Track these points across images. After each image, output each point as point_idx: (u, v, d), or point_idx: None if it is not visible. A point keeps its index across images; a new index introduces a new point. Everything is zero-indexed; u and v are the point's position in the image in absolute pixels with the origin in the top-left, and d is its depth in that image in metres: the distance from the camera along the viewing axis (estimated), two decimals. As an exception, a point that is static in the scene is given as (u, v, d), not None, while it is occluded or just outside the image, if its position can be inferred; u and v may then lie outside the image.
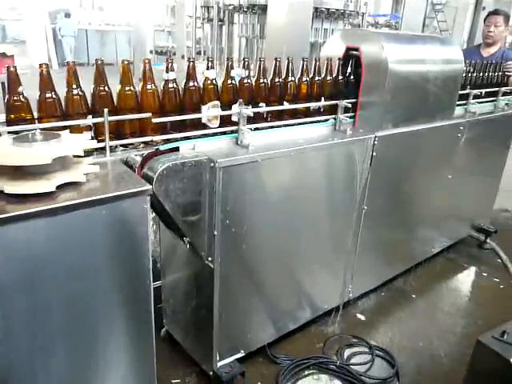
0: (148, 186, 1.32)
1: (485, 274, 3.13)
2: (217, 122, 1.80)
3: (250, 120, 1.83)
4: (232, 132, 1.84)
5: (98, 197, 1.23)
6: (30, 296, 1.21)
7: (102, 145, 1.50)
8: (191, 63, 1.74)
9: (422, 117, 2.39)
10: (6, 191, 1.19)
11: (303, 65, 2.04)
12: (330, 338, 2.40)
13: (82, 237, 1.25)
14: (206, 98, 1.77)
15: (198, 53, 6.05)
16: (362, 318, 2.59)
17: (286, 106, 2.00)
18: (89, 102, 1.54)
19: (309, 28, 4.30)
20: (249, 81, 1.89)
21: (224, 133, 1.83)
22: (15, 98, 1.40)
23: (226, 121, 1.83)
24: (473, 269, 3.22)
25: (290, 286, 2.17)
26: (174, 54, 6.17)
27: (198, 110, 1.75)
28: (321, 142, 1.99)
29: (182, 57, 5.01)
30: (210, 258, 1.77)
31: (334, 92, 2.15)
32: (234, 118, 1.82)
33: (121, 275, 1.37)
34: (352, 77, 2.21)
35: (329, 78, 2.13)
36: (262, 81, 1.92)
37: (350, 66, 2.22)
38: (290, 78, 2.00)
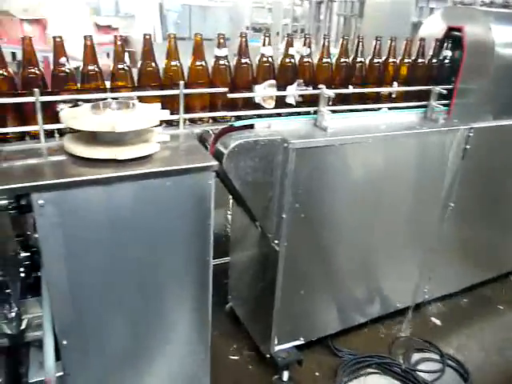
0: (214, 162, 1.30)
1: None
2: (272, 103, 1.72)
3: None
4: (311, 113, 1.77)
5: (164, 168, 1.24)
6: (103, 252, 1.27)
7: (175, 117, 1.50)
8: (289, 39, 1.70)
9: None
10: (84, 155, 1.24)
11: (390, 45, 1.88)
12: (398, 338, 2.27)
13: (149, 205, 1.27)
14: (299, 75, 1.72)
15: (295, 31, 5.94)
16: (437, 322, 2.41)
17: (371, 89, 1.87)
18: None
19: (412, 6, 4.00)
20: (328, 60, 1.79)
21: (299, 113, 1.77)
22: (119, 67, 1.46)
23: (307, 101, 1.76)
24: None
25: (360, 278, 2.07)
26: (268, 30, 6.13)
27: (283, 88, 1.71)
28: (407, 130, 1.84)
29: (277, 34, 4.94)
30: (276, 241, 1.73)
31: (426, 76, 1.98)
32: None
33: (183, 247, 1.38)
34: (448, 60, 2.01)
35: (421, 60, 1.95)
36: (343, 60, 1.82)
37: (448, 49, 2.01)
38: (375, 60, 1.87)
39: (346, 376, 2.04)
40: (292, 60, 1.72)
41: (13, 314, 1.32)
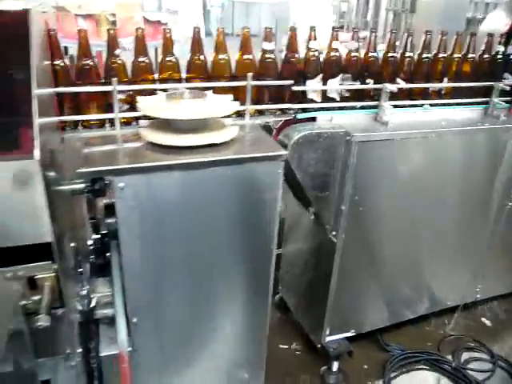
0: (284, 152, 1.33)
1: None
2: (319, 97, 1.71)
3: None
4: (369, 107, 1.78)
5: (237, 156, 1.29)
6: (174, 234, 1.33)
7: (242, 108, 1.54)
8: (334, 33, 1.70)
9: None
10: (159, 142, 1.30)
11: (440, 39, 1.86)
12: (447, 336, 2.26)
13: (221, 191, 1.32)
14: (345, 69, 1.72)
15: (341, 27, 5.90)
16: (488, 323, 2.38)
17: (431, 84, 1.86)
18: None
19: (467, 1, 3.90)
20: (375, 54, 1.76)
21: (353, 107, 1.78)
22: (167, 59, 1.51)
23: (365, 96, 1.77)
24: None
25: (412, 274, 2.07)
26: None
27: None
28: (468, 127, 1.82)
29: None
30: (334, 233, 1.76)
31: (488, 72, 1.95)
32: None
33: (249, 234, 1.42)
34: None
35: (486, 55, 1.93)
36: (390, 55, 1.79)
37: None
38: (436, 55, 1.85)
39: (395, 371, 2.05)
40: (337, 54, 1.70)
41: (84, 292, 1.40)
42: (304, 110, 1.70)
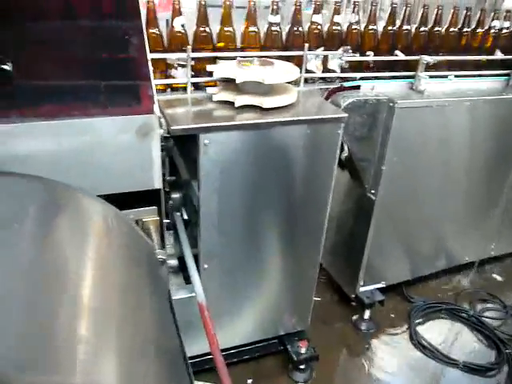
0: (345, 114, 1.50)
1: None
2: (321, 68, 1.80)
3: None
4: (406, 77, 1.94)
5: (307, 117, 1.45)
6: (248, 187, 1.50)
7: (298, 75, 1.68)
8: (336, 7, 1.78)
9: None
10: (237, 103, 1.45)
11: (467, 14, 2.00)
12: (463, 290, 2.48)
13: (291, 149, 1.48)
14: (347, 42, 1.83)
15: None
16: (499, 278, 2.60)
17: (461, 57, 2.02)
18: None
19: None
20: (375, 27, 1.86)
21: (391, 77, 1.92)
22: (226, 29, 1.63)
23: (404, 67, 1.93)
24: None
25: (435, 232, 2.27)
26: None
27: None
28: (497, 96, 2.00)
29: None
30: (373, 191, 1.93)
31: (510, 46, 2.11)
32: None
33: (311, 187, 1.59)
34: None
35: (506, 30, 2.09)
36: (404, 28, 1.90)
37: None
38: (454, 29, 2.00)
39: (419, 318, 2.26)
40: (338, 27, 1.81)
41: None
42: (343, 79, 1.86)
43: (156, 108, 1.10)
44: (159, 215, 1.21)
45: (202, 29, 1.61)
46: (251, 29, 1.66)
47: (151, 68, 1.13)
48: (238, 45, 1.67)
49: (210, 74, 1.51)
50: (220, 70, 1.48)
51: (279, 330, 1.90)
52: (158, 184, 1.18)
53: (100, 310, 0.63)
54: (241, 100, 1.46)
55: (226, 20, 1.63)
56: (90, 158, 1.05)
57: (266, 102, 1.45)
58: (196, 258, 1.57)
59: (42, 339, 0.53)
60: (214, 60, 1.61)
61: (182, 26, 1.59)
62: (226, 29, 1.64)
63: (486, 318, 2.29)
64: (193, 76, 1.57)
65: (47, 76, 1.04)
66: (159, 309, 0.78)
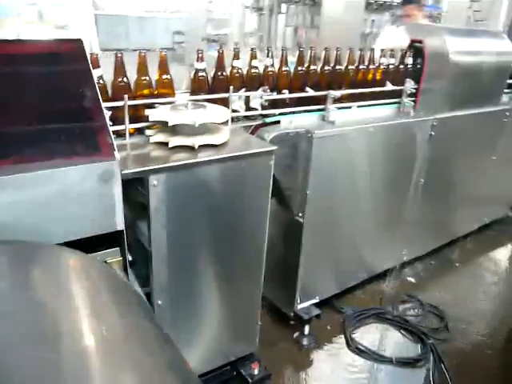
0: (275, 147, 1.67)
1: (521, 249, 3.46)
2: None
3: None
4: (317, 110, 2.19)
5: (242, 152, 1.60)
6: (197, 221, 1.60)
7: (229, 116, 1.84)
8: (253, 53, 1.96)
9: (474, 102, 2.71)
10: (175, 144, 1.56)
11: (357, 54, 2.32)
12: (385, 294, 2.75)
13: (228, 182, 1.62)
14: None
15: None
16: (413, 280, 2.93)
17: (363, 89, 2.33)
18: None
19: (360, 19, 4.58)
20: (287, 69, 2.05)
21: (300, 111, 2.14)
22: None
23: (314, 101, 2.17)
24: (511, 244, 3.54)
25: (356, 246, 2.52)
26: (217, 42, 6.52)
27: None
28: (392, 121, 2.32)
29: (235, 45, 5.35)
30: (300, 214, 2.12)
31: (396, 79, 2.47)
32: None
33: (250, 215, 1.73)
34: (411, 66, 2.51)
35: (392, 66, 2.45)
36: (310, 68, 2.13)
37: (411, 57, 2.53)
38: (352, 67, 2.33)
39: (352, 327, 2.47)
40: (257, 70, 2.00)
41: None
42: (264, 116, 2.06)
43: (116, 154, 1.17)
44: (122, 255, 1.27)
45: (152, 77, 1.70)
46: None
47: (107, 116, 1.21)
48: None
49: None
50: (154, 114, 1.59)
51: (230, 356, 1.98)
52: (120, 226, 1.24)
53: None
54: (174, 141, 1.57)
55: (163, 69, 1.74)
56: (56, 207, 1.10)
57: (198, 141, 1.58)
58: (148, 296, 1.61)
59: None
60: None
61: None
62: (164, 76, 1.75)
63: (408, 316, 2.57)
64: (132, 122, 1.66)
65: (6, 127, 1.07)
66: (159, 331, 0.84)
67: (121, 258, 1.28)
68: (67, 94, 1.18)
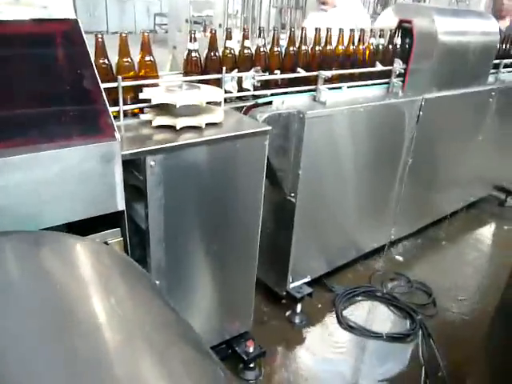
0: (269, 127, 1.68)
1: (505, 227, 3.54)
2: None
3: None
4: (308, 91, 2.19)
5: (237, 133, 1.60)
6: (193, 201, 1.60)
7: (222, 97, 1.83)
8: (245, 34, 1.98)
9: (461, 82, 2.74)
10: (167, 124, 1.55)
11: (350, 34, 2.33)
12: (374, 273, 2.80)
13: (224, 162, 1.62)
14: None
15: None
16: (401, 259, 2.99)
17: (353, 70, 2.34)
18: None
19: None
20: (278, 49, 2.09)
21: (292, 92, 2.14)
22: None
23: (305, 81, 2.18)
24: (494, 222, 3.65)
25: (345, 225, 2.56)
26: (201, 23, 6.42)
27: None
28: (382, 101, 2.34)
29: (220, 26, 5.27)
30: (292, 194, 2.14)
31: (385, 59, 2.49)
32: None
33: (244, 195, 1.74)
34: (399, 46, 2.52)
35: (381, 46, 2.46)
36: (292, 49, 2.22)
37: (399, 37, 2.54)
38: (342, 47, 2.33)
39: (342, 305, 2.52)
40: (249, 51, 2.00)
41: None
42: (256, 97, 2.05)
43: (117, 134, 1.17)
44: (123, 236, 1.27)
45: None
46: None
47: (105, 98, 1.20)
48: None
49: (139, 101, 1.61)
50: (158, 96, 1.57)
51: (225, 335, 2.01)
52: (121, 206, 1.24)
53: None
54: (181, 122, 1.56)
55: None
56: (59, 188, 1.09)
57: (203, 121, 1.58)
58: (145, 276, 1.62)
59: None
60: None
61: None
62: (147, 58, 1.73)
63: (397, 293, 2.63)
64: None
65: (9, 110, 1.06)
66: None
67: (121, 239, 1.28)
68: (67, 75, 1.16)
